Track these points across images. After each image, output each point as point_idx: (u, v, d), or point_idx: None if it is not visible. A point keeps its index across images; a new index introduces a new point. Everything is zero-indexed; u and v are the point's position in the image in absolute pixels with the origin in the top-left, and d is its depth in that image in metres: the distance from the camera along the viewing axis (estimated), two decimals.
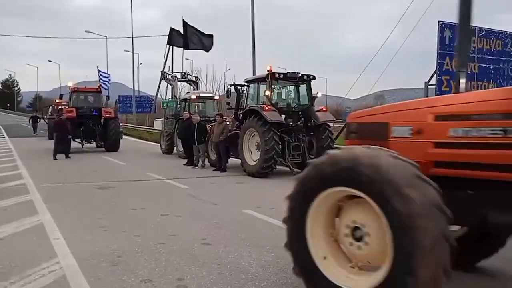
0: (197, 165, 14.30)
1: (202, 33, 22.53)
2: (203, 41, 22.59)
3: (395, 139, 3.86)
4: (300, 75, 13.08)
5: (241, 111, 13.44)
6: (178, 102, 19.66)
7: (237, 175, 12.46)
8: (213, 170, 13.56)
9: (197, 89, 21.85)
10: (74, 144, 19.13)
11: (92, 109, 20.47)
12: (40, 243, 5.44)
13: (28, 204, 7.93)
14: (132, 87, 42.63)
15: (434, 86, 13.05)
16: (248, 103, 13.64)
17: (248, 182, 11.14)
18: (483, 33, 13.39)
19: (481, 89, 12.96)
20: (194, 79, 22.44)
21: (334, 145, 12.34)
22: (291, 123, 12.67)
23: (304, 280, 3.57)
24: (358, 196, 3.25)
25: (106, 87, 34.12)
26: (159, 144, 20.43)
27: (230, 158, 13.81)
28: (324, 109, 13.53)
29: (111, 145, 20.16)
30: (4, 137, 31.26)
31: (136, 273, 4.40)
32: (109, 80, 37.82)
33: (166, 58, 22.21)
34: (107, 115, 20.19)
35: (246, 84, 14.09)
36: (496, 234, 4.27)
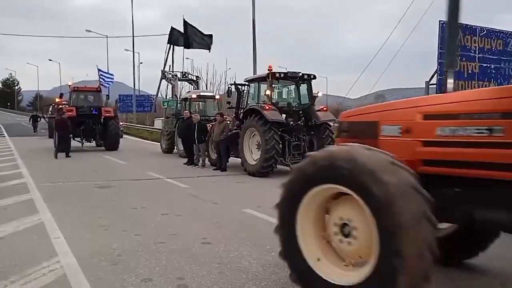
0: (197, 164, 14.30)
1: (202, 33, 22.54)
2: (204, 40, 22.60)
3: (384, 137, 3.95)
4: (300, 74, 13.07)
5: (242, 111, 13.44)
6: (178, 101, 19.66)
7: (237, 175, 12.46)
8: (214, 169, 13.56)
9: (198, 88, 21.85)
10: (74, 143, 19.18)
11: (92, 108, 20.60)
12: (40, 242, 5.43)
13: (28, 203, 7.93)
14: (132, 86, 42.63)
15: (435, 86, 13.03)
16: (248, 102, 13.64)
17: (248, 182, 11.13)
18: (484, 32, 13.36)
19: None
20: (194, 78, 22.45)
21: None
22: (292, 123, 12.67)
23: (301, 286, 3.61)
24: (342, 193, 3.37)
25: (107, 86, 34.14)
26: (159, 143, 20.44)
27: (231, 158, 13.81)
28: (324, 108, 13.53)
29: (111, 144, 20.30)
30: (4, 136, 31.27)
31: (137, 272, 4.40)
32: (112, 80, 37.84)
33: (167, 57, 22.24)
34: (106, 114, 20.29)
35: (246, 83, 14.08)
36: (484, 232, 4.35)
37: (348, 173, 3.18)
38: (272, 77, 12.64)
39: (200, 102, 19.09)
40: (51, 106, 33.34)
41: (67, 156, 16.93)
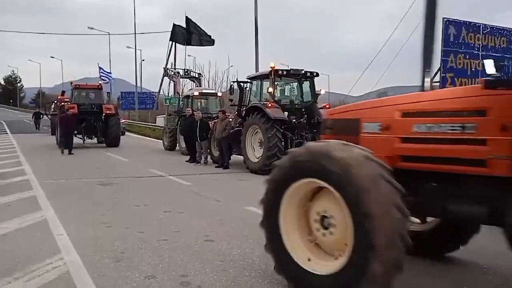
0: (199, 162, 14.31)
1: (204, 32, 22.52)
2: (206, 38, 22.58)
3: (365, 134, 4.11)
4: (303, 72, 13.05)
5: (244, 108, 13.43)
6: (180, 99, 19.67)
7: (239, 172, 12.45)
8: (216, 167, 13.56)
9: (200, 86, 21.84)
10: (75, 140, 19.26)
11: (93, 106, 20.92)
12: (43, 239, 5.44)
13: (31, 200, 7.95)
14: (134, 84, 42.65)
15: (438, 83, 12.99)
16: (251, 100, 13.63)
17: (250, 179, 11.12)
18: (488, 30, 13.30)
19: None
20: (196, 76, 22.43)
21: None
22: (294, 120, 12.65)
23: (282, 273, 3.83)
24: (322, 188, 3.58)
25: (107, 81, 34.22)
26: (161, 141, 20.46)
27: (233, 155, 13.80)
28: (327, 106, 13.50)
29: (112, 141, 20.58)
30: (7, 133, 31.34)
31: (140, 269, 4.40)
32: (110, 78, 38.01)
33: (169, 55, 22.23)
34: (107, 112, 20.55)
35: (249, 81, 14.06)
36: (466, 226, 4.49)
37: (323, 167, 3.38)
38: (274, 75, 12.62)
39: (202, 100, 19.10)
40: (53, 103, 33.41)
41: (70, 153, 16.97)
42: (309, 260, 3.70)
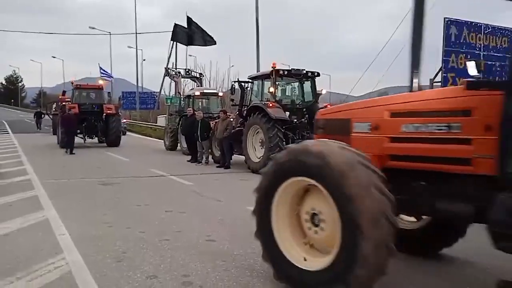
0: (201, 162, 14.31)
1: (205, 32, 22.53)
2: (207, 38, 22.59)
3: (356, 134, 4.21)
4: (304, 71, 13.05)
5: (245, 108, 13.43)
6: (182, 99, 19.69)
7: (241, 172, 12.46)
8: (217, 166, 13.57)
9: (201, 86, 21.85)
10: (76, 139, 19.31)
11: (93, 105, 21.09)
12: (45, 239, 5.45)
13: (33, 200, 7.96)
14: (135, 84, 42.67)
15: (440, 83, 12.98)
16: (252, 99, 13.63)
17: (252, 179, 11.11)
18: (489, 30, 13.29)
19: None
20: (198, 76, 22.44)
21: None
22: (295, 120, 12.65)
23: (271, 265, 3.95)
24: (313, 186, 3.66)
25: (109, 80, 34.37)
26: (162, 141, 20.48)
27: (234, 155, 13.80)
28: (328, 106, 13.49)
29: (112, 141, 20.77)
30: (8, 133, 31.38)
31: (142, 269, 4.41)
32: (111, 77, 38.20)
33: (170, 54, 22.27)
34: (108, 111, 20.72)
35: (250, 80, 14.07)
36: (456, 224, 4.57)
37: (303, 163, 3.54)
38: (275, 75, 12.62)
39: (204, 100, 19.10)
40: (55, 103, 33.47)
41: (71, 153, 17.01)
42: (305, 260, 3.77)
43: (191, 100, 17.96)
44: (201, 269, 4.43)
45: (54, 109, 31.27)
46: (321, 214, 3.67)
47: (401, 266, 4.46)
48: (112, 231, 5.92)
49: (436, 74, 13.45)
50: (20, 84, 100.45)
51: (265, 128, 11.85)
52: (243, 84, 14.08)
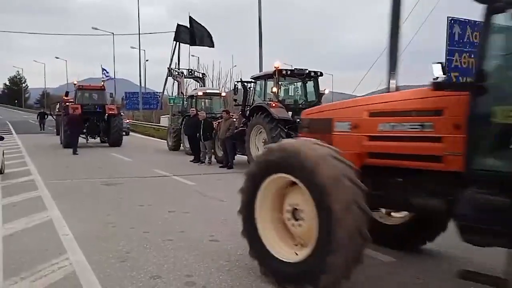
0: (203, 162, 14.32)
1: (207, 31, 22.51)
2: (210, 38, 22.58)
3: (337, 133, 4.42)
4: (307, 71, 13.02)
5: (248, 108, 13.42)
6: (184, 99, 19.69)
7: (243, 172, 12.43)
8: (220, 167, 13.57)
9: (204, 86, 21.85)
10: (79, 139, 19.38)
11: (96, 106, 21.41)
12: (49, 239, 5.47)
13: (37, 200, 7.99)
14: (138, 84, 42.74)
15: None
16: (255, 99, 13.62)
17: None
18: None
19: None
20: (200, 76, 22.45)
21: None
22: (298, 120, 12.62)
23: (257, 260, 4.14)
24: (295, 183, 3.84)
25: (106, 79, 34.57)
26: (165, 141, 20.51)
27: (237, 155, 13.80)
28: None
29: (114, 141, 21.05)
30: (12, 134, 31.49)
31: (145, 269, 4.41)
32: (108, 76, 38.51)
33: (173, 55, 22.26)
34: (110, 112, 21.06)
35: (253, 80, 14.06)
36: (437, 220, 4.71)
37: (291, 163, 3.71)
38: (278, 74, 12.61)
39: (206, 100, 19.09)
40: (58, 103, 33.57)
41: (75, 153, 17.09)
42: (296, 254, 3.92)
43: (194, 100, 17.97)
44: (204, 269, 4.44)
45: (57, 110, 31.38)
46: (300, 208, 3.86)
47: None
48: (116, 231, 5.93)
49: None
50: (23, 85, 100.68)
51: (268, 128, 11.84)
52: (246, 84, 14.06)
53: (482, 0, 3.34)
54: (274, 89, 12.63)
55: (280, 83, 12.98)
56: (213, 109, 18.34)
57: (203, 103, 18.71)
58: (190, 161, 14.81)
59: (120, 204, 7.83)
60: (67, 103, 22.08)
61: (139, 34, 41.24)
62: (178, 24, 22.64)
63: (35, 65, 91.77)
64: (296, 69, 13.12)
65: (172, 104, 21.54)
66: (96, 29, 46.33)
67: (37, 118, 37.92)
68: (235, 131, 13.35)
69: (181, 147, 18.34)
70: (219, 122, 14.23)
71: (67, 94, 26.33)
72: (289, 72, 12.91)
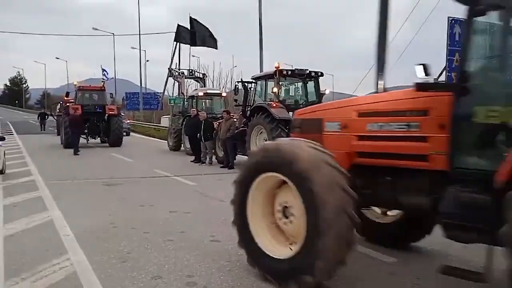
0: (204, 162, 14.31)
1: (208, 30, 22.46)
2: (210, 38, 22.56)
3: (327, 133, 4.51)
4: (308, 71, 13.01)
5: (249, 108, 13.42)
6: (185, 99, 19.70)
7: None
8: (221, 167, 13.57)
9: (204, 86, 21.85)
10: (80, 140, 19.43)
11: (96, 106, 21.53)
12: (50, 240, 5.47)
13: (37, 201, 7.99)
14: (139, 84, 42.74)
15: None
16: (255, 100, 13.62)
17: None
18: (494, 29, 13.21)
19: None
20: (201, 76, 22.45)
21: None
22: None
23: (245, 251, 4.28)
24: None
25: (105, 80, 34.64)
26: (166, 141, 20.51)
27: (238, 155, 13.79)
28: None
29: (114, 141, 21.23)
30: (13, 134, 31.50)
31: (146, 270, 4.41)
32: (107, 77, 38.59)
33: (173, 55, 22.27)
34: (110, 112, 21.24)
35: (253, 81, 14.05)
36: (426, 219, 4.77)
37: (284, 164, 3.79)
38: (279, 75, 12.60)
39: (207, 100, 19.09)
40: (59, 104, 33.59)
41: (76, 153, 17.11)
42: (291, 250, 3.98)
43: (194, 100, 17.97)
44: (205, 270, 4.43)
45: (58, 110, 31.41)
46: (291, 207, 3.96)
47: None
48: (117, 231, 5.93)
49: (441, 73, 13.39)
50: (24, 85, 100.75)
51: (269, 128, 11.83)
52: (246, 84, 14.06)
53: (464, 2, 3.44)
54: (275, 89, 12.63)
55: (280, 83, 12.97)
56: (213, 110, 18.34)
57: (203, 103, 18.70)
58: (191, 161, 14.81)
59: (121, 205, 7.82)
60: (67, 104, 22.13)
61: (139, 34, 41.28)
62: (178, 25, 22.65)
63: (35, 65, 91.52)
64: (297, 69, 13.12)
65: (172, 104, 21.55)
66: (96, 29, 46.35)
67: (38, 119, 37.95)
68: (236, 131, 13.34)
69: (182, 148, 18.33)
70: (219, 123, 14.23)
71: (67, 94, 26.39)
72: (289, 72, 12.91)
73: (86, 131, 20.76)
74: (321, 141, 4.30)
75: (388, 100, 4.15)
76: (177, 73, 21.44)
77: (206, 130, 14.00)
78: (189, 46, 23.40)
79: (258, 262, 4.15)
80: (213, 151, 14.51)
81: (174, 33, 22.59)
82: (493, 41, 3.69)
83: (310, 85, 13.42)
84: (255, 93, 13.86)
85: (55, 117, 30.81)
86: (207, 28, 22.47)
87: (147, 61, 54.79)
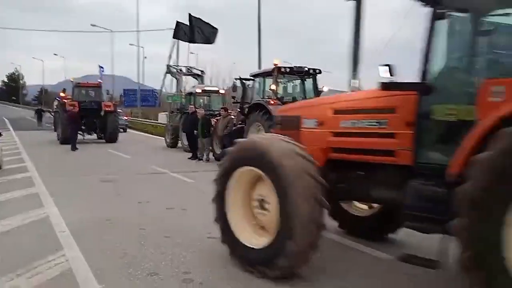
0: (201, 159, 14.29)
1: (207, 24, 22.31)
2: (208, 34, 22.43)
3: (305, 129, 4.74)
4: (306, 69, 13.00)
5: (247, 105, 13.39)
6: (183, 96, 19.65)
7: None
8: (218, 164, 13.52)
9: (202, 83, 21.80)
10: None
11: (92, 103, 21.62)
12: (46, 236, 5.44)
13: (33, 197, 7.95)
14: (137, 81, 42.69)
15: None
16: (253, 97, 13.59)
17: None
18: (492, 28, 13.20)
19: None
20: (199, 73, 22.39)
21: None
22: None
23: (227, 245, 4.46)
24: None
25: (100, 77, 34.64)
26: (163, 138, 20.49)
27: None
28: None
29: (110, 137, 21.45)
30: (9, 130, 31.39)
31: (143, 266, 4.39)
32: (103, 74, 38.60)
33: (172, 52, 22.21)
34: (107, 109, 21.34)
35: (252, 78, 14.02)
36: (398, 211, 4.92)
37: (258, 158, 4.01)
38: (277, 72, 12.58)
39: (205, 97, 19.07)
40: (56, 100, 33.49)
41: (75, 149, 17.10)
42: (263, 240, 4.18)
43: (192, 97, 17.93)
44: (202, 267, 4.42)
45: (55, 106, 31.31)
46: (266, 199, 4.15)
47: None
48: (113, 228, 5.90)
49: None
50: (21, 81, 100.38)
51: (267, 126, 11.79)
52: (244, 81, 14.03)
53: (426, 3, 3.63)
54: (273, 87, 12.60)
55: (279, 80, 12.95)
56: (211, 107, 18.31)
57: (201, 100, 18.68)
58: (188, 158, 14.78)
59: (117, 201, 7.80)
60: (65, 100, 22.09)
61: (137, 31, 41.18)
62: (177, 22, 22.57)
63: (33, 62, 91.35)
64: (295, 66, 13.10)
65: (170, 101, 21.52)
66: (94, 26, 46.20)
67: (35, 115, 37.81)
68: (233, 128, 13.31)
69: (179, 144, 18.30)
70: (217, 120, 14.20)
71: (64, 91, 26.34)
72: (288, 70, 12.89)
73: (83, 127, 20.83)
74: (299, 137, 4.56)
75: (360, 98, 4.42)
76: (175, 70, 21.38)
77: (203, 127, 13.97)
78: (187, 42, 23.30)
79: (238, 252, 4.33)
80: (211, 148, 14.48)
81: (173, 30, 22.50)
82: (452, 42, 3.91)
83: (308, 82, 13.41)
84: (253, 90, 13.83)
85: (52, 113, 30.71)
86: (207, 23, 22.30)
87: (145, 57, 54.76)
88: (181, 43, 22.90)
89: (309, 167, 3.88)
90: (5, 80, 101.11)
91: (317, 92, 13.20)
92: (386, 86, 3.78)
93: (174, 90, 22.25)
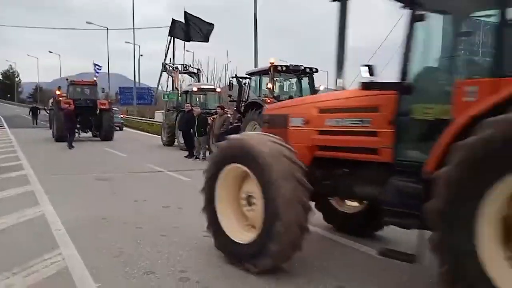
0: (198, 157, 14.28)
1: (203, 21, 22.22)
2: (204, 32, 22.33)
3: (292, 127, 4.84)
4: (302, 68, 13.02)
5: (243, 104, 13.40)
6: (179, 94, 19.62)
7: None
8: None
9: (198, 81, 21.76)
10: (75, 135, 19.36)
11: (87, 101, 21.69)
12: (41, 234, 5.42)
13: (29, 195, 7.92)
14: (132, 79, 42.54)
15: None
16: (250, 95, 13.60)
17: None
18: (488, 26, 13.26)
19: None
20: (195, 71, 22.35)
21: None
22: None
23: (212, 235, 4.63)
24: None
25: (97, 75, 34.43)
26: (159, 136, 20.46)
27: None
28: None
29: (106, 135, 21.50)
30: (4, 128, 31.23)
31: (139, 265, 4.39)
32: (100, 72, 38.37)
33: (168, 50, 22.13)
34: (102, 107, 21.41)
35: (248, 76, 14.03)
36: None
37: (245, 156, 4.10)
38: (274, 70, 12.59)
39: (201, 95, 19.05)
40: (52, 98, 33.35)
41: (71, 146, 17.06)
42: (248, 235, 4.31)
43: (188, 95, 17.91)
44: (198, 265, 4.42)
45: (50, 104, 31.17)
46: (253, 195, 4.24)
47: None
48: (109, 226, 5.89)
49: None
50: (16, 79, 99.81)
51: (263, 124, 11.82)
52: (241, 80, 14.03)
53: (405, 5, 3.72)
54: (269, 85, 12.61)
55: (275, 79, 12.96)
56: (207, 105, 18.29)
57: (197, 98, 18.65)
58: (185, 156, 14.77)
59: (113, 199, 7.78)
60: (60, 98, 22.00)
61: (133, 29, 41.05)
62: (173, 19, 22.49)
63: (28, 59, 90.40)
64: (292, 65, 13.11)
65: (166, 99, 21.47)
66: (90, 23, 45.98)
67: (29, 113, 37.60)
68: (230, 127, 13.32)
69: (175, 143, 18.28)
70: (213, 118, 14.19)
71: (59, 88, 26.24)
72: (284, 68, 12.90)
73: (78, 125, 20.82)
74: (287, 135, 4.68)
75: (344, 97, 4.51)
76: (171, 68, 21.33)
77: (199, 125, 13.96)
78: (184, 40, 23.21)
79: (223, 246, 4.47)
80: (207, 146, 14.47)
81: (169, 28, 22.43)
82: (431, 43, 4.03)
83: (305, 81, 13.43)
84: (249, 88, 13.84)
85: (48, 111, 30.58)
86: (203, 20, 22.19)
87: (141, 55, 54.54)
88: (177, 41, 22.82)
89: (296, 171, 3.97)
90: (0, 77, 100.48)
91: (314, 90, 13.23)
92: (367, 86, 3.86)
93: (170, 88, 22.18)
